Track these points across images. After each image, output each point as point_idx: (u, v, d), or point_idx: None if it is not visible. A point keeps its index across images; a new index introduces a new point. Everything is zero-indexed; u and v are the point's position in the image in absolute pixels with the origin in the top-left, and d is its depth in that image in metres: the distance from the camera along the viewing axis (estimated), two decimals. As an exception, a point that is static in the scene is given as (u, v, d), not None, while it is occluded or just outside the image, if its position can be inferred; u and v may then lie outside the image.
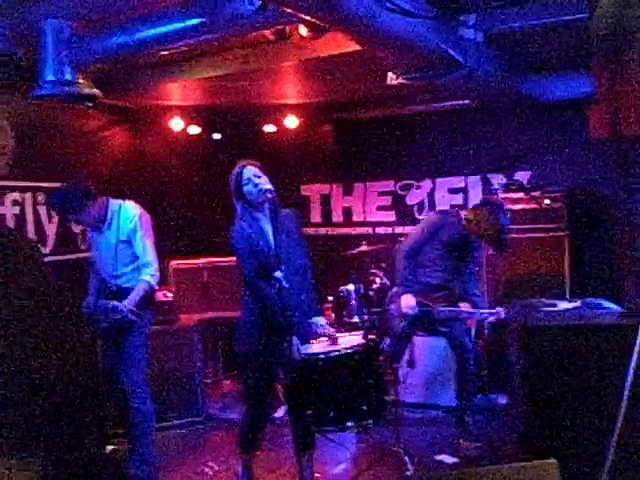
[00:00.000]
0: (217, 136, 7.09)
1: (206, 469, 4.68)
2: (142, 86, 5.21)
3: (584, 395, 3.36)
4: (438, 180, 6.76)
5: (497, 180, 6.17)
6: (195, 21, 3.36)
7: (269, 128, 6.99)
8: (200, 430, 5.47)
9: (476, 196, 6.40)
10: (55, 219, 5.45)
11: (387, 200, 7.08)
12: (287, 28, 3.76)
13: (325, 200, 7.45)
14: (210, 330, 6.38)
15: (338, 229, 7.37)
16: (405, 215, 6.96)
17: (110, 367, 4.34)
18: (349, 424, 3.46)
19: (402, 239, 5.36)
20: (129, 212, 4.33)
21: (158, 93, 5.67)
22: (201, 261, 6.36)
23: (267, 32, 3.74)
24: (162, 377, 5.30)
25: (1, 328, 1.97)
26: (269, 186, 3.73)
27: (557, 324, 3.59)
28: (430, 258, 4.98)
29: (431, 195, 6.82)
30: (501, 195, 5.81)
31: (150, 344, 4.44)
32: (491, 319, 4.85)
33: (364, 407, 3.46)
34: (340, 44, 3.93)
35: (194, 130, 6.78)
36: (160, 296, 5.44)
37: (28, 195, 5.20)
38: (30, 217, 5.23)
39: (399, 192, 6.99)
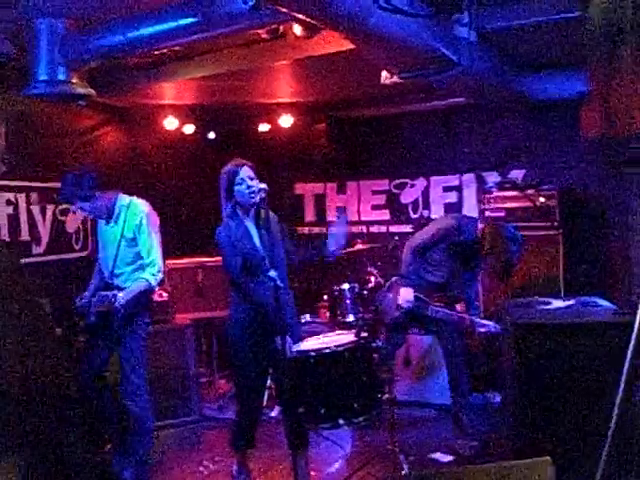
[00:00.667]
0: (211, 135, 7.09)
1: (201, 468, 4.67)
2: (136, 85, 5.19)
3: (578, 393, 3.37)
4: (432, 178, 6.76)
5: (491, 178, 6.19)
6: (189, 20, 3.36)
7: (263, 127, 6.97)
8: (195, 429, 5.47)
9: (470, 194, 6.42)
10: (49, 219, 5.43)
11: (381, 199, 7.08)
12: (281, 27, 3.76)
13: (319, 199, 7.45)
14: (204, 330, 6.37)
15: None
16: (400, 213, 6.96)
17: (97, 366, 4.33)
18: (341, 422, 3.47)
19: (412, 233, 5.38)
20: (137, 208, 4.28)
21: (152, 92, 5.65)
22: (195, 260, 6.35)
23: (261, 31, 3.74)
24: (157, 376, 5.28)
25: None
26: (263, 186, 3.71)
27: (551, 322, 3.59)
28: (437, 258, 5.01)
29: (425, 193, 6.82)
30: (495, 193, 5.83)
31: (145, 344, 4.43)
32: (482, 330, 4.87)
33: (356, 405, 3.47)
34: (334, 43, 3.92)
35: (188, 129, 6.76)
36: (155, 296, 5.43)
37: (22, 195, 5.18)
38: (24, 217, 5.21)
39: (393, 191, 7.00)
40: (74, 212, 5.41)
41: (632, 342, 2.64)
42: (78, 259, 5.63)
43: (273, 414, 5.34)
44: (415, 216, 6.81)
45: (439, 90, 5.14)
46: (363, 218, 7.18)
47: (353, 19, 3.05)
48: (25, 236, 5.19)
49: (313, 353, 3.54)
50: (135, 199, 4.37)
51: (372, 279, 6.02)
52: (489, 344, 5.48)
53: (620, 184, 4.80)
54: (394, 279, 5.14)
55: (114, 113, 6.29)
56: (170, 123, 6.53)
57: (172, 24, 3.42)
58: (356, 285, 5.92)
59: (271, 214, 3.89)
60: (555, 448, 3.15)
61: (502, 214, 5.73)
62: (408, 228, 6.61)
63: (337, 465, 4.69)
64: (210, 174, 6.80)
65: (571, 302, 4.08)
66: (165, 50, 3.86)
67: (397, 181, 6.96)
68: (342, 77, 5.40)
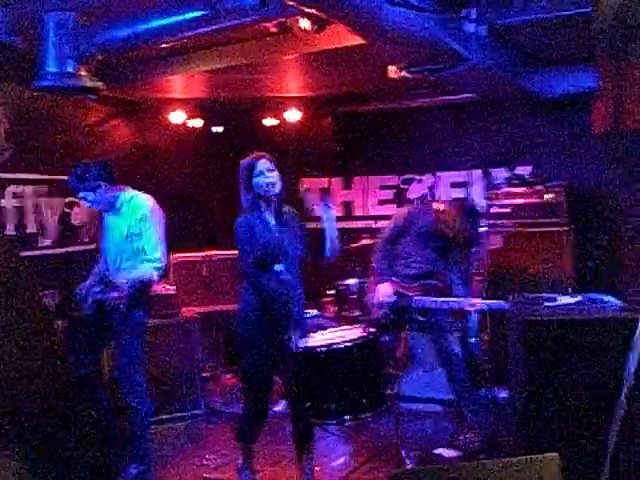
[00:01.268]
0: (218, 129, 7.08)
1: (206, 462, 4.68)
2: (144, 79, 5.19)
3: (585, 389, 3.36)
4: (440, 174, 6.75)
5: (499, 174, 6.16)
6: (198, 13, 3.35)
7: (270, 121, 6.97)
8: (200, 423, 5.49)
9: (478, 190, 6.38)
10: (57, 212, 5.43)
11: (389, 194, 7.06)
12: (289, 21, 3.75)
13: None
14: (211, 324, 6.38)
15: (339, 223, 7.34)
16: (406, 209, 6.94)
17: (92, 360, 4.34)
18: (348, 417, 3.48)
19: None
20: (141, 203, 4.25)
21: (160, 86, 5.66)
22: (201, 254, 6.36)
23: (269, 25, 3.73)
24: (163, 370, 5.31)
25: None
26: (278, 181, 3.75)
27: (558, 318, 3.58)
28: (407, 250, 4.97)
29: (433, 189, 6.80)
30: (503, 189, 5.80)
31: (151, 338, 4.43)
32: (470, 309, 4.81)
33: (364, 400, 3.47)
34: (342, 37, 3.91)
35: (195, 123, 6.77)
36: (161, 289, 5.44)
37: (29, 188, 5.19)
38: (31, 209, 5.22)
39: (401, 186, 6.98)
40: (78, 204, 5.39)
41: (638, 338, 2.63)
42: (86, 251, 5.64)
43: (278, 408, 5.34)
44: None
45: (447, 85, 5.13)
46: (370, 213, 7.17)
47: (363, 14, 3.05)
48: (32, 229, 5.20)
49: (324, 349, 3.54)
50: (139, 194, 4.34)
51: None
52: (498, 338, 5.46)
53: (629, 179, 4.78)
54: (370, 280, 5.13)
55: (121, 106, 6.29)
56: (177, 117, 6.54)
57: (180, 17, 3.41)
58: (362, 280, 5.91)
59: (292, 210, 3.94)
60: (563, 444, 3.14)
61: (509, 210, 5.71)
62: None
63: (341, 459, 4.70)
64: (217, 168, 6.87)
65: (578, 298, 4.07)
66: (173, 43, 3.85)
67: (405, 176, 6.95)
68: (349, 72, 5.39)
